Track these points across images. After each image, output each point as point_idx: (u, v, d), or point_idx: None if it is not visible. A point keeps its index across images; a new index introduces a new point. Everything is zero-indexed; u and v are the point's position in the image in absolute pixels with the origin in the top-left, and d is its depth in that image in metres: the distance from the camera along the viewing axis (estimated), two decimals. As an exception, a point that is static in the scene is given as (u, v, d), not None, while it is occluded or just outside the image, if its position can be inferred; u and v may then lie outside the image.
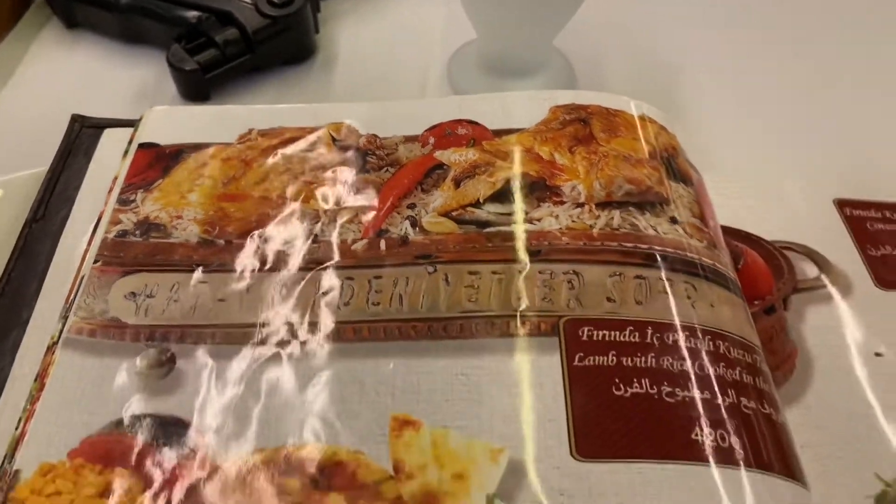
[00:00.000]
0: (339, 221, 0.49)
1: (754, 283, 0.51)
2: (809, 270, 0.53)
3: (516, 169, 0.51)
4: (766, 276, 0.53)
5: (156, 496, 0.38)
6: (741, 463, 0.38)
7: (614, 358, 0.42)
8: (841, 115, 0.66)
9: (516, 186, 0.50)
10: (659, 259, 0.46)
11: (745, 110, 0.67)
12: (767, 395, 0.42)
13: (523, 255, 0.46)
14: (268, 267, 0.46)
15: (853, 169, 0.60)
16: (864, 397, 0.46)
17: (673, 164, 0.53)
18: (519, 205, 0.49)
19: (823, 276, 0.52)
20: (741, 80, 0.70)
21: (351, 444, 0.40)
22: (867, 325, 0.49)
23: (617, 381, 0.41)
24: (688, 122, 0.62)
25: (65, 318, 0.45)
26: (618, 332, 0.43)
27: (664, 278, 0.45)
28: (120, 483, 0.38)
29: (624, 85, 0.69)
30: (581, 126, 0.54)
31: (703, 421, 0.39)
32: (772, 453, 0.40)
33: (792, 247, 0.54)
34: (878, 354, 0.48)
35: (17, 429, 0.41)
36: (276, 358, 0.43)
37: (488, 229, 0.48)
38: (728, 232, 0.53)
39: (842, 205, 0.57)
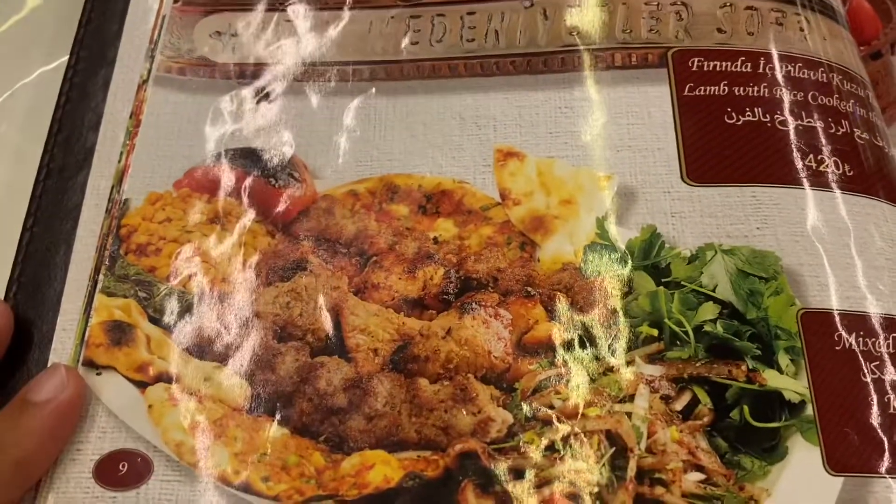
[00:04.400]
0: (427, -44, 0.46)
1: (861, 28, 0.48)
2: (919, 17, 0.50)
3: None
4: (874, 21, 0.49)
5: (265, 222, 0.39)
6: (858, 189, 0.38)
7: (726, 88, 0.40)
8: None
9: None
10: (771, -10, 0.43)
11: None
12: (880, 130, 0.41)
13: (627, -14, 0.43)
14: (354, 5, 0.44)
15: None
16: None
17: None
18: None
19: None
20: None
21: (456, 175, 0.39)
22: None
23: (729, 109, 0.39)
24: None
25: (151, 57, 0.44)
26: (729, 63, 0.40)
27: (777, 10, 0.42)
28: (229, 210, 0.39)
29: None
30: None
31: (818, 148, 0.38)
32: (886, 182, 0.39)
33: (901, -9, 0.51)
34: None
35: (119, 162, 0.41)
36: (367, 94, 0.42)
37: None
38: (836, -26, 0.49)
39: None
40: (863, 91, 0.41)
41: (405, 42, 0.43)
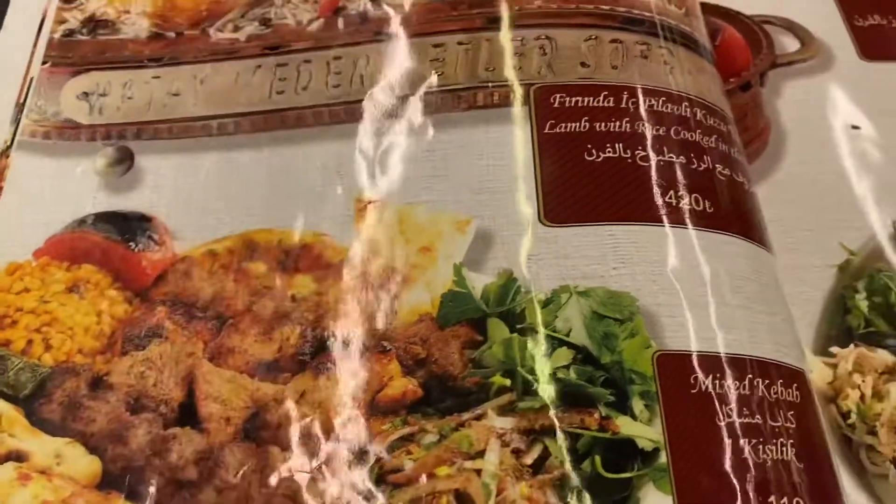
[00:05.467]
0: (294, 1, 0.45)
1: (731, 60, 0.48)
2: (790, 44, 0.49)
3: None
4: (744, 52, 0.49)
5: (124, 288, 0.38)
6: (717, 226, 0.37)
7: (587, 124, 0.39)
8: None
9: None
10: (637, 22, 0.42)
11: None
12: (741, 166, 0.40)
13: (491, 22, 0.43)
14: (220, 57, 0.44)
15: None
16: (837, 169, 0.44)
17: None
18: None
19: (804, 50, 0.49)
20: None
21: (317, 227, 0.39)
22: (847, 98, 0.47)
23: (589, 146, 0.38)
24: None
25: (17, 121, 0.44)
26: (592, 98, 0.40)
27: (641, 42, 0.42)
28: (87, 278, 0.39)
29: None
30: None
31: (677, 185, 0.37)
32: (745, 220, 0.38)
33: (772, 20, 0.50)
34: (854, 127, 0.45)
35: (-20, 233, 0.41)
36: (231, 148, 0.41)
37: (453, -3, 0.44)
38: (706, 9, 0.48)
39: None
40: (724, 126, 0.41)
41: (271, 92, 0.43)
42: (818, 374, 0.38)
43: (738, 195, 0.39)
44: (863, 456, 0.37)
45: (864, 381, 0.37)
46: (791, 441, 0.33)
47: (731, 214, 0.38)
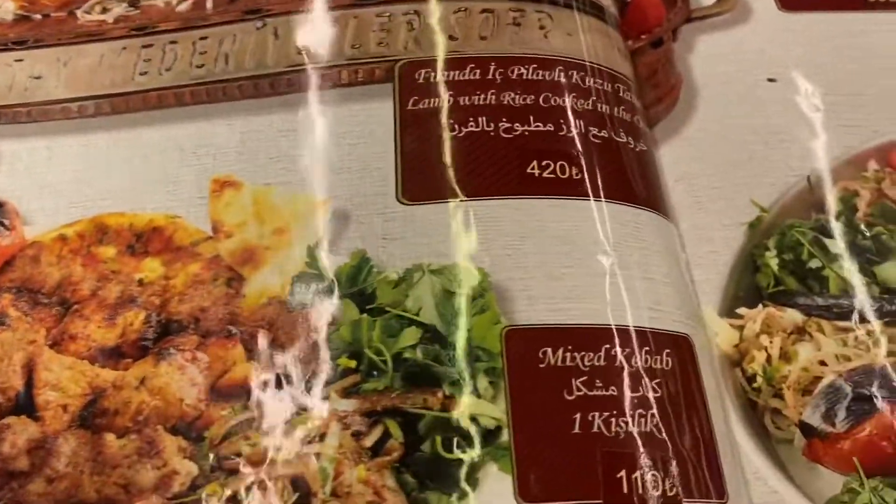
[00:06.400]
0: (161, -19, 0.44)
1: (644, 16, 0.46)
2: (705, -2, 0.48)
3: None
4: (657, 8, 0.47)
5: (-29, 276, 0.37)
6: (581, 193, 0.36)
7: (451, 98, 0.38)
8: None
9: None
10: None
11: None
12: (627, 125, 0.39)
13: (359, -1, 0.42)
14: (86, 39, 0.43)
15: None
16: (750, 124, 0.42)
17: None
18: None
19: (721, 3, 0.47)
20: None
21: (171, 209, 0.38)
22: (763, 51, 0.45)
23: (451, 121, 0.37)
24: None
25: None
26: (457, 72, 0.39)
27: (516, 9, 0.41)
28: (-68, 266, 0.37)
29: None
30: None
31: (542, 154, 0.36)
32: (622, 183, 0.37)
33: (688, -28, 0.49)
34: (771, 80, 0.44)
35: None
36: (90, 130, 0.40)
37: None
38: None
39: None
40: (610, 85, 0.40)
41: (134, 73, 0.41)
42: (724, 337, 0.36)
43: (618, 157, 0.37)
44: (767, 421, 0.35)
45: (771, 343, 0.36)
46: (654, 411, 0.32)
47: (605, 179, 0.36)
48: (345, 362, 0.33)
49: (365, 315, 0.33)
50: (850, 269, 0.37)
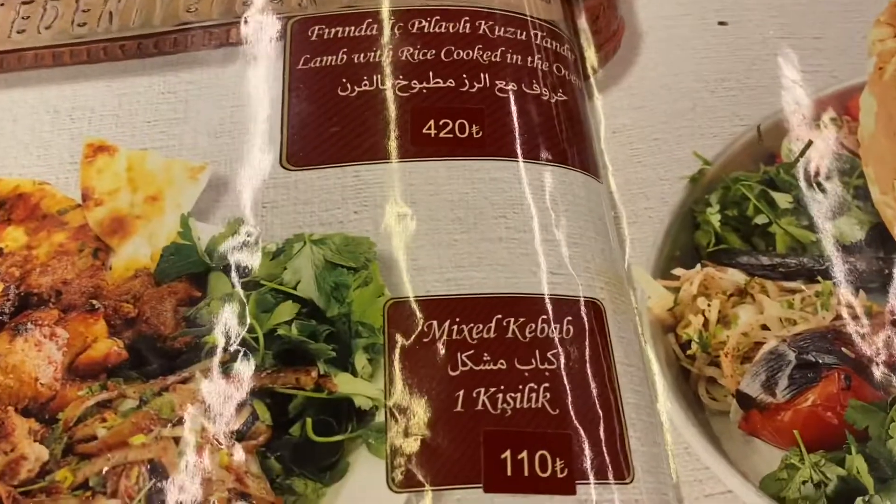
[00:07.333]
0: (43, -66, 0.41)
1: None
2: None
3: None
4: None
5: None
6: (482, 153, 0.33)
7: (345, 56, 0.35)
8: None
9: None
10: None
11: None
12: (543, 74, 0.36)
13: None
14: (-38, -5, 0.40)
15: None
16: (696, 70, 0.39)
17: None
18: None
19: None
20: None
21: (40, 175, 0.35)
22: None
23: (344, 80, 0.35)
24: None
25: None
26: (353, 28, 0.36)
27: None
28: None
29: None
30: None
31: (441, 112, 0.34)
32: (531, 139, 0.34)
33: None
34: (721, 23, 0.40)
35: None
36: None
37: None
38: None
39: None
40: (523, 33, 0.37)
41: (11, 31, 0.39)
42: (657, 300, 0.34)
43: (530, 110, 0.35)
44: (701, 391, 0.32)
45: (709, 306, 0.33)
46: (546, 385, 0.29)
47: (509, 135, 0.34)
48: (212, 340, 0.30)
49: (238, 289, 0.31)
50: (800, 225, 0.35)
